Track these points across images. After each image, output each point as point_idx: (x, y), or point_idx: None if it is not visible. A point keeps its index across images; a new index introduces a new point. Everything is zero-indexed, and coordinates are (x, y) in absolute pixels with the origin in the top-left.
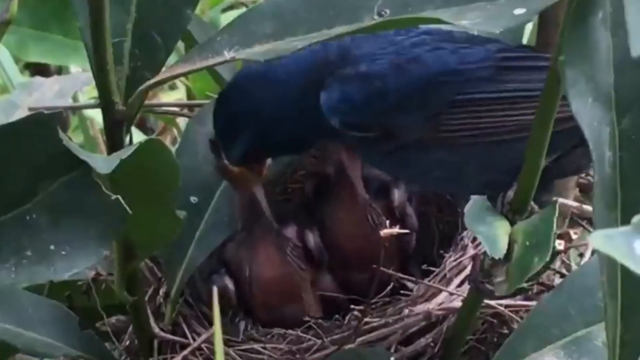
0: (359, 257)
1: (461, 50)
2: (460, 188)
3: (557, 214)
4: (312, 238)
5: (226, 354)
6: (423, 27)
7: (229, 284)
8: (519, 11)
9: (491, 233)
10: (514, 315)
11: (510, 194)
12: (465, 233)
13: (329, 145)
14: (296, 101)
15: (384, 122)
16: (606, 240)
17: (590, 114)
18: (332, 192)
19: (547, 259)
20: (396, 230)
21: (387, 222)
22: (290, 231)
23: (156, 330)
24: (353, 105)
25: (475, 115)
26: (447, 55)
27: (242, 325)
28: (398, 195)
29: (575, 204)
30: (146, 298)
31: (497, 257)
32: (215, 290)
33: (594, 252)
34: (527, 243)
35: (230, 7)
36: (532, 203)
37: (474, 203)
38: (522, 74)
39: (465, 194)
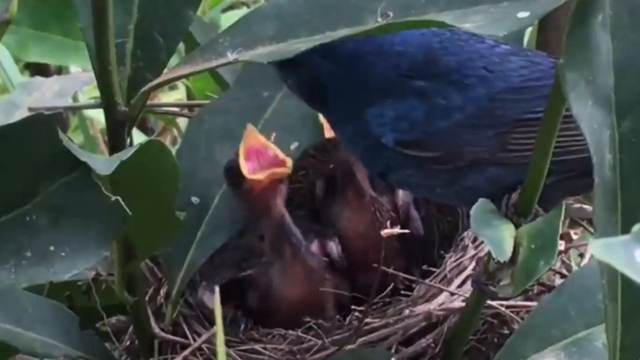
0: (367, 257)
1: (528, 66)
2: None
3: (562, 218)
4: (335, 248)
5: (227, 354)
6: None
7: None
8: (522, 14)
9: (497, 236)
10: (514, 316)
11: (515, 196)
12: (465, 233)
13: (335, 144)
14: (354, 92)
15: (449, 141)
16: (606, 250)
17: (590, 117)
18: (340, 191)
19: (553, 262)
20: (397, 230)
21: (390, 222)
22: (314, 246)
23: (156, 330)
24: (413, 123)
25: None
26: (516, 70)
27: (241, 324)
28: (402, 195)
29: (575, 204)
30: (146, 298)
31: (502, 260)
32: (216, 290)
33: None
34: (533, 246)
35: (231, 7)
36: (536, 206)
37: (479, 206)
38: None
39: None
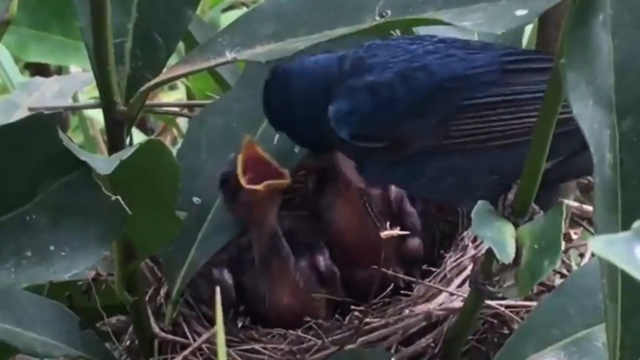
0: (359, 249)
1: (468, 56)
2: (469, 194)
3: (564, 216)
4: (322, 262)
5: (227, 354)
6: (440, 35)
7: (228, 278)
8: (520, 12)
9: (500, 238)
10: (514, 316)
11: (511, 196)
12: (465, 233)
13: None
14: (308, 106)
15: (393, 131)
16: (607, 246)
17: (590, 117)
18: (330, 183)
19: (557, 262)
20: (396, 231)
21: (382, 214)
22: (304, 262)
23: (156, 330)
24: (361, 116)
25: (483, 120)
26: (454, 61)
27: (240, 322)
28: (394, 189)
29: (575, 204)
30: (146, 298)
31: (506, 262)
32: (217, 290)
33: (594, 253)
34: (536, 246)
35: (231, 7)
36: (533, 204)
37: (479, 207)
38: (527, 76)
39: (474, 200)
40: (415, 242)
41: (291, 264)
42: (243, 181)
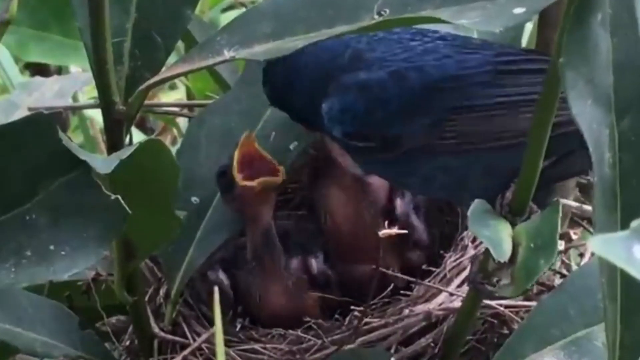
0: (356, 240)
1: (463, 56)
2: (463, 194)
3: (560, 215)
4: (315, 265)
5: (226, 354)
6: (442, 31)
7: (224, 279)
8: (518, 10)
9: (496, 236)
10: (514, 316)
11: (509, 195)
12: (465, 233)
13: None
14: (308, 92)
15: (386, 131)
16: (605, 245)
17: (589, 116)
18: (325, 174)
19: (553, 261)
20: (395, 230)
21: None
22: (295, 262)
23: (156, 330)
24: (354, 115)
25: (476, 121)
26: (448, 62)
27: (239, 323)
28: (400, 204)
29: (575, 204)
30: (146, 298)
31: (502, 261)
32: (216, 290)
33: (594, 252)
34: (532, 245)
35: (230, 7)
36: (531, 204)
37: (476, 206)
38: (522, 77)
39: (467, 200)
40: (419, 255)
41: (282, 263)
42: (238, 177)
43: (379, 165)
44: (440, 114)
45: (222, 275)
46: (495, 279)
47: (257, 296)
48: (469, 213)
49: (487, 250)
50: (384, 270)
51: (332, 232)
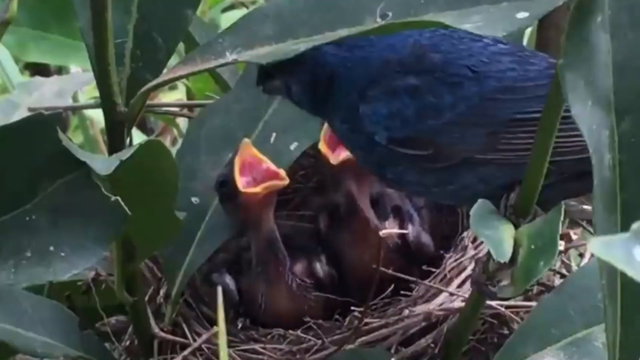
0: (368, 281)
1: (522, 66)
2: (494, 202)
3: (562, 218)
4: (320, 268)
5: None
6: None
7: (230, 282)
8: (521, 15)
9: (497, 237)
10: (514, 316)
11: (513, 196)
12: (465, 233)
13: (338, 175)
14: (347, 89)
15: (439, 140)
16: (605, 247)
17: (589, 117)
18: (344, 222)
19: (553, 262)
20: (396, 230)
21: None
22: (300, 266)
23: (156, 330)
24: (404, 121)
25: (531, 135)
26: (511, 74)
27: (240, 323)
28: (412, 230)
29: (575, 204)
30: (146, 298)
31: (502, 261)
32: (219, 289)
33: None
34: (532, 246)
35: (231, 7)
36: (536, 206)
37: (479, 206)
38: None
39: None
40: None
41: (287, 268)
42: (240, 185)
43: (420, 173)
44: (496, 126)
45: (228, 279)
46: (498, 280)
47: (262, 302)
48: (471, 213)
49: (489, 251)
50: (384, 269)
51: (347, 277)
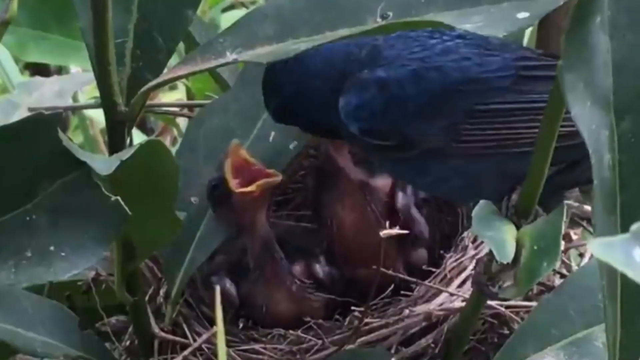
0: (361, 247)
1: (484, 58)
2: (475, 197)
3: (564, 218)
4: (319, 269)
5: (226, 354)
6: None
7: (230, 286)
8: (522, 15)
9: (499, 238)
10: (514, 316)
11: (515, 197)
12: (465, 233)
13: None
14: (322, 92)
15: (403, 130)
16: (605, 249)
17: (589, 117)
18: (330, 181)
19: (556, 263)
20: (396, 230)
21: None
22: (299, 268)
23: (156, 330)
24: (371, 112)
25: (494, 126)
26: (469, 64)
27: (241, 323)
28: (401, 198)
29: (575, 204)
30: (146, 298)
31: (505, 262)
32: (217, 290)
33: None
34: (535, 247)
35: (231, 7)
36: (537, 207)
37: (481, 207)
38: (542, 84)
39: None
40: (421, 253)
41: (284, 270)
42: (233, 185)
43: (393, 163)
44: (458, 117)
45: (228, 284)
46: (498, 281)
47: (262, 305)
48: (473, 214)
49: (491, 251)
50: (384, 270)
51: (338, 239)
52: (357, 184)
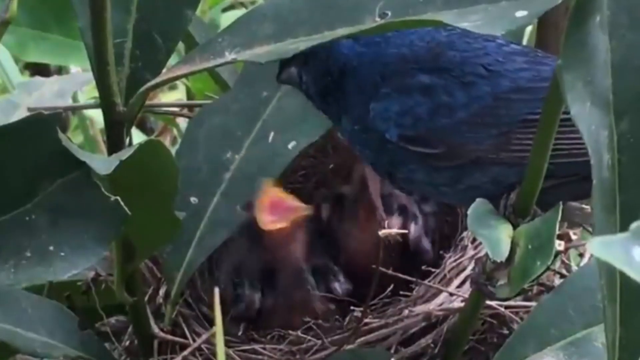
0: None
1: (535, 66)
2: (502, 202)
3: (559, 218)
4: (338, 287)
5: (226, 354)
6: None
7: (256, 300)
8: (520, 13)
9: (493, 236)
10: (513, 316)
11: (513, 196)
12: (465, 233)
13: (354, 164)
14: (361, 87)
15: (451, 139)
16: (605, 248)
17: (588, 118)
18: (349, 210)
19: (549, 262)
20: (395, 230)
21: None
22: (319, 288)
23: (156, 330)
24: (416, 118)
25: None
26: (525, 74)
27: (242, 325)
28: (414, 229)
29: (575, 204)
30: (146, 298)
31: (499, 260)
32: (216, 291)
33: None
34: (529, 246)
35: (231, 7)
36: (535, 207)
37: (477, 206)
38: None
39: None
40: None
41: (315, 298)
42: (263, 223)
43: (429, 171)
44: (510, 126)
45: (256, 297)
46: (496, 280)
47: (279, 324)
48: (469, 212)
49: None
50: (383, 270)
51: (349, 267)
52: (378, 219)
